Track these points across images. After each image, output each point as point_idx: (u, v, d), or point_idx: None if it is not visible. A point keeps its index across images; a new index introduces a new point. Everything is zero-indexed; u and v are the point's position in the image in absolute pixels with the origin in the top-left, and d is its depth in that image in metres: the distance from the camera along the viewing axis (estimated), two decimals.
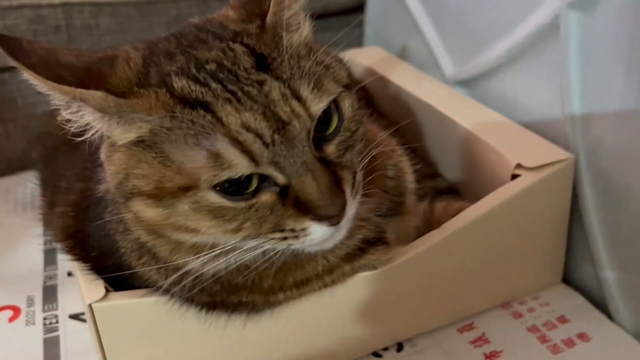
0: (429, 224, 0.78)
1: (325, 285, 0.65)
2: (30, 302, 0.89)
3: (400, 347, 0.78)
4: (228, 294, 0.62)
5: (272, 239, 0.55)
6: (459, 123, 0.86)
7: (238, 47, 0.53)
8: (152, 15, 1.15)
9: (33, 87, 1.16)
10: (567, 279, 0.85)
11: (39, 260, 0.97)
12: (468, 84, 0.99)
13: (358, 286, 0.68)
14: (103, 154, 0.57)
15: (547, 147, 0.79)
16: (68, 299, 0.89)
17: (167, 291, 0.62)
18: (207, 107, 0.51)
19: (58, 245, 0.72)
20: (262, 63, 0.53)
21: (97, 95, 0.50)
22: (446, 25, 1.02)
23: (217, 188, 0.52)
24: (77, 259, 0.68)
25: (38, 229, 1.04)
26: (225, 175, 0.51)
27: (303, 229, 0.54)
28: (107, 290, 0.64)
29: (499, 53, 0.88)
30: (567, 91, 0.76)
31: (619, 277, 0.76)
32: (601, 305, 0.80)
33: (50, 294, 0.91)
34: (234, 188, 0.52)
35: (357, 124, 0.58)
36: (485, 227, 0.73)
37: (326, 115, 0.54)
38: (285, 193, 0.53)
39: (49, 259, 0.98)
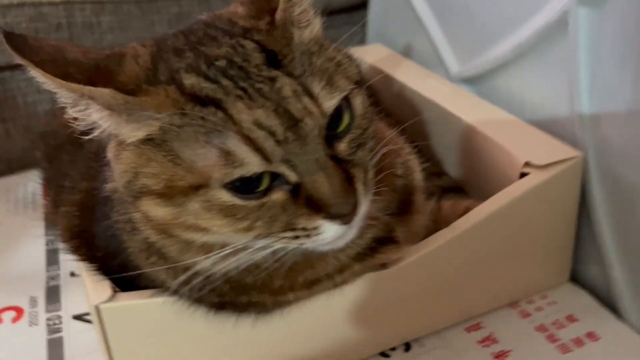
0: (436, 223, 0.77)
1: (336, 285, 0.65)
2: (33, 302, 0.88)
3: (408, 347, 0.77)
4: (237, 294, 0.61)
5: (284, 238, 0.54)
6: (465, 121, 0.85)
7: (248, 44, 0.53)
8: (153, 13, 1.15)
9: (33, 86, 1.15)
10: (575, 278, 0.84)
11: (41, 261, 0.97)
12: (473, 81, 0.98)
13: (367, 286, 0.67)
14: (110, 152, 0.57)
15: (556, 145, 0.78)
16: (71, 300, 0.88)
17: (175, 291, 0.61)
18: (218, 104, 0.50)
19: (63, 246, 0.71)
20: (273, 60, 0.52)
21: (105, 92, 0.49)
22: (451, 21, 1.02)
23: (229, 186, 0.51)
24: (83, 259, 0.67)
25: (39, 228, 1.03)
26: (237, 173, 0.50)
27: (315, 228, 0.53)
28: (114, 291, 0.63)
29: (506, 50, 0.88)
30: (576, 89, 0.75)
31: (627, 275, 0.75)
32: (609, 304, 0.79)
33: (53, 294, 0.90)
34: (245, 186, 0.51)
35: (368, 121, 0.57)
36: (494, 226, 0.72)
37: (337, 113, 0.54)
38: (297, 191, 0.53)
39: (51, 259, 0.97)
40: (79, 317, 0.85)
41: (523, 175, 0.75)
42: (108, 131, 0.53)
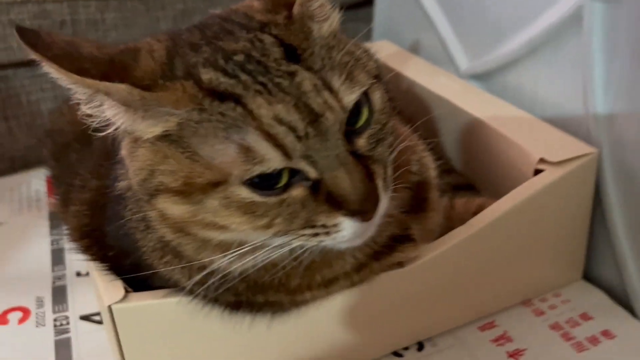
0: (449, 221, 0.77)
1: (353, 284, 0.64)
2: (39, 303, 0.87)
3: (421, 346, 0.76)
4: (254, 294, 0.60)
5: (303, 235, 0.53)
6: (477, 117, 0.85)
7: (267, 38, 0.52)
8: (157, 10, 1.14)
9: (37, 84, 1.14)
10: (587, 276, 0.84)
11: (46, 260, 0.95)
12: (483, 78, 0.97)
13: (383, 285, 0.66)
14: (125, 150, 0.56)
15: (570, 142, 0.77)
16: (78, 300, 0.87)
17: (190, 291, 0.60)
18: (237, 100, 0.49)
19: (73, 245, 0.70)
20: (292, 54, 0.51)
21: (121, 88, 0.48)
22: (460, 17, 1.01)
23: (248, 183, 0.50)
24: (94, 259, 0.66)
25: (44, 228, 1.02)
26: (257, 170, 0.49)
27: (335, 225, 0.52)
28: (127, 291, 0.62)
29: (518, 46, 0.87)
30: (590, 85, 0.75)
31: None
32: (624, 302, 0.79)
33: (59, 294, 0.89)
34: (264, 183, 0.50)
35: (387, 116, 0.56)
36: (510, 223, 0.71)
37: (356, 108, 0.53)
38: (316, 188, 0.52)
39: (57, 258, 0.96)
40: (86, 318, 0.84)
41: (537, 172, 0.74)
42: (123, 128, 0.52)
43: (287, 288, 0.61)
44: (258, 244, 0.54)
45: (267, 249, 0.54)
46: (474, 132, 0.86)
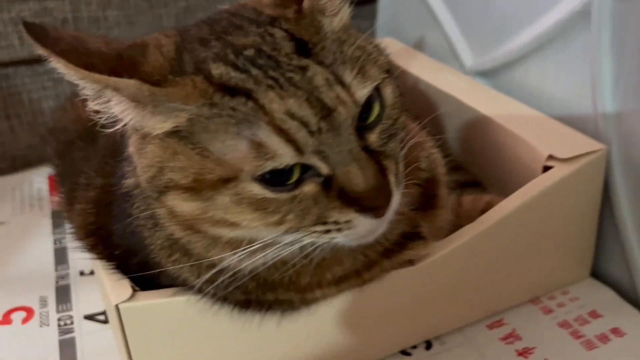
0: (457, 218, 0.76)
1: (364, 282, 0.63)
2: (43, 302, 0.86)
3: (429, 345, 0.75)
4: (263, 292, 0.60)
5: (315, 232, 0.52)
6: (484, 114, 0.84)
7: (277, 32, 0.51)
8: (160, 8, 1.13)
9: (38, 82, 1.13)
10: (595, 273, 0.83)
11: (49, 260, 0.95)
12: (489, 74, 0.96)
13: (392, 283, 0.66)
14: (132, 147, 0.55)
15: (578, 138, 0.77)
16: (82, 299, 0.87)
17: (199, 290, 0.59)
18: (248, 94, 0.48)
19: (78, 244, 0.69)
20: (303, 48, 0.50)
21: (131, 84, 0.48)
22: (466, 13, 1.00)
23: (259, 179, 0.49)
24: (100, 258, 0.66)
25: (46, 227, 1.02)
26: (269, 165, 0.48)
27: (347, 222, 0.52)
28: (134, 290, 0.62)
29: (524, 42, 0.86)
30: (599, 82, 0.74)
31: None
32: (633, 300, 0.78)
33: (63, 294, 0.88)
34: (275, 179, 0.50)
35: (398, 111, 0.56)
36: (519, 220, 0.71)
37: (368, 103, 0.52)
38: (328, 184, 0.51)
39: (60, 258, 0.95)
40: (90, 317, 0.83)
41: (546, 168, 0.74)
42: (131, 124, 0.51)
43: (298, 286, 0.60)
44: (268, 242, 0.54)
45: (277, 246, 0.54)
46: (481, 129, 0.85)
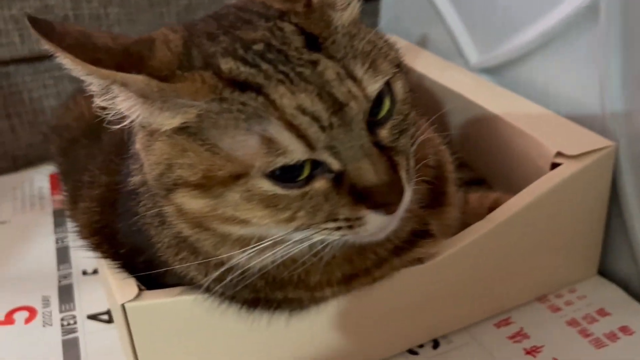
0: (464, 215, 0.75)
1: (374, 280, 0.62)
2: (46, 302, 0.85)
3: (436, 344, 0.75)
4: (272, 290, 0.59)
5: (325, 229, 0.52)
6: (490, 111, 0.83)
7: (287, 26, 0.50)
8: (162, 6, 1.12)
9: (39, 81, 1.12)
10: (602, 270, 0.82)
11: (51, 259, 0.94)
12: (494, 71, 0.96)
13: (400, 281, 0.65)
14: (139, 144, 0.54)
15: (586, 135, 0.76)
16: (85, 299, 0.86)
17: (206, 289, 0.59)
18: (258, 89, 0.48)
19: (83, 243, 0.68)
20: (313, 42, 0.50)
21: (139, 79, 0.47)
22: (470, 8, 0.99)
23: (270, 175, 0.49)
24: (106, 257, 0.65)
25: (48, 226, 1.01)
26: (280, 161, 0.48)
27: (358, 218, 0.51)
28: (140, 289, 0.61)
29: (531, 38, 0.85)
30: (607, 79, 0.73)
31: None
32: None
33: (66, 293, 0.87)
34: (285, 175, 0.49)
35: (409, 106, 0.55)
36: (529, 218, 0.70)
37: (378, 98, 0.51)
38: (339, 180, 0.50)
39: (62, 257, 0.94)
40: (94, 317, 0.83)
41: (554, 165, 0.73)
42: (139, 120, 0.51)
43: (307, 284, 0.59)
44: (278, 239, 0.53)
45: (287, 244, 0.53)
46: (487, 126, 0.84)
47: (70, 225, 0.74)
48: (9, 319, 0.83)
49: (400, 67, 0.55)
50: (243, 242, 0.54)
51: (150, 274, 0.61)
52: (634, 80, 0.71)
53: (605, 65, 0.73)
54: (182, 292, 0.61)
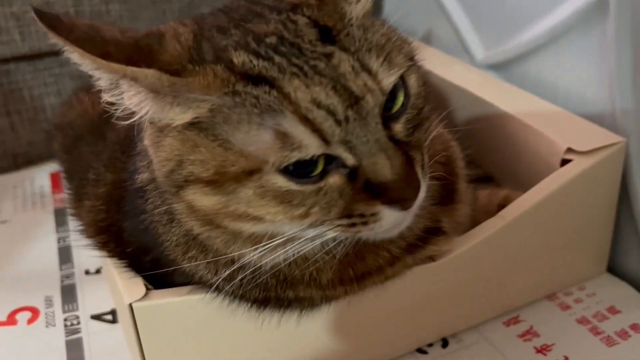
0: (474, 213, 0.74)
1: (386, 278, 0.61)
2: (48, 302, 0.84)
3: (445, 343, 0.74)
4: (283, 289, 0.58)
5: (339, 225, 0.51)
6: (499, 108, 0.82)
7: (300, 19, 0.49)
8: (164, 2, 1.11)
9: (40, 79, 1.10)
10: (611, 268, 0.82)
11: (53, 259, 0.93)
12: (500, 68, 0.95)
13: (411, 280, 0.64)
14: (148, 140, 0.53)
15: (596, 131, 0.75)
16: (88, 299, 0.85)
17: (216, 287, 0.58)
18: (272, 83, 0.47)
19: (88, 241, 0.67)
20: (327, 35, 0.49)
21: (150, 73, 0.46)
22: (476, 4, 0.98)
23: (284, 171, 0.48)
24: (112, 256, 0.64)
25: (50, 225, 1.00)
26: (294, 156, 0.47)
27: (373, 214, 0.50)
28: (148, 289, 0.60)
29: (539, 34, 0.84)
30: (617, 74, 0.73)
31: None
32: None
33: (68, 293, 0.86)
34: (299, 170, 0.48)
35: (423, 100, 0.54)
36: (541, 214, 0.69)
37: (392, 92, 0.50)
38: (354, 175, 0.49)
39: (64, 257, 0.93)
40: (97, 317, 0.82)
41: (565, 161, 0.72)
42: (149, 116, 0.50)
43: (319, 283, 0.58)
44: (290, 236, 0.52)
45: (299, 241, 0.52)
46: (495, 122, 0.84)
47: (73, 224, 0.73)
48: (11, 320, 0.81)
49: (413, 61, 0.54)
50: (255, 240, 0.53)
51: (157, 273, 0.60)
52: None
53: (615, 60, 0.72)
54: (190, 291, 0.60)
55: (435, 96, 0.93)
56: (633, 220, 0.76)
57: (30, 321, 0.81)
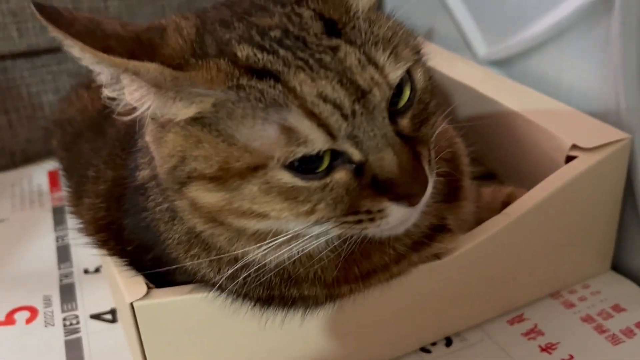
0: (478, 210, 0.74)
1: (392, 277, 0.60)
2: (47, 302, 0.83)
3: (449, 341, 0.73)
4: (287, 287, 0.57)
5: (345, 222, 0.50)
6: (502, 104, 0.82)
7: (305, 12, 0.49)
8: None
9: (37, 76, 1.09)
10: (616, 266, 0.81)
11: (52, 258, 0.92)
12: (503, 64, 0.94)
13: (415, 278, 0.63)
14: (150, 136, 0.52)
15: (601, 127, 0.75)
16: (87, 298, 0.84)
17: (219, 286, 0.57)
18: (277, 77, 0.46)
19: (88, 240, 0.66)
20: (332, 28, 0.48)
21: (152, 67, 0.45)
22: (479, 0, 0.97)
23: (289, 166, 0.47)
24: (112, 254, 0.63)
25: (48, 224, 0.99)
26: (300, 152, 0.46)
27: (380, 211, 0.49)
28: (149, 287, 0.59)
29: (542, 30, 0.84)
30: (622, 70, 0.72)
31: None
32: None
33: (67, 293, 0.85)
34: (304, 166, 0.47)
35: (430, 95, 0.53)
36: (545, 211, 0.69)
37: (398, 86, 0.50)
38: (360, 171, 0.49)
39: (63, 256, 0.92)
40: (97, 317, 0.81)
41: (569, 158, 0.72)
42: (151, 111, 0.49)
43: (324, 281, 0.57)
44: (295, 234, 0.51)
45: (304, 239, 0.51)
46: (498, 119, 0.83)
47: (72, 222, 0.72)
48: (9, 319, 0.81)
49: (420, 55, 0.53)
50: (259, 237, 0.53)
51: (158, 271, 0.59)
52: None
53: (620, 56, 0.72)
54: (192, 290, 0.59)
55: (437, 93, 0.92)
56: (638, 218, 0.76)
57: (29, 321, 0.80)
